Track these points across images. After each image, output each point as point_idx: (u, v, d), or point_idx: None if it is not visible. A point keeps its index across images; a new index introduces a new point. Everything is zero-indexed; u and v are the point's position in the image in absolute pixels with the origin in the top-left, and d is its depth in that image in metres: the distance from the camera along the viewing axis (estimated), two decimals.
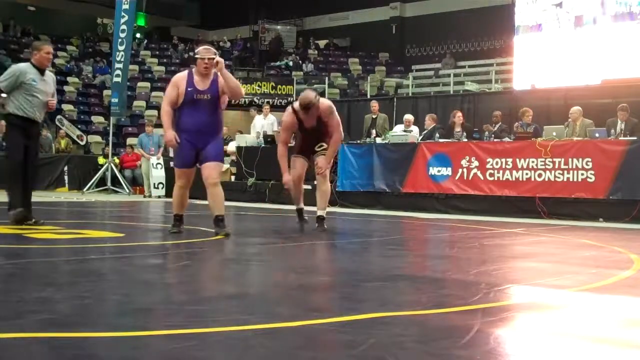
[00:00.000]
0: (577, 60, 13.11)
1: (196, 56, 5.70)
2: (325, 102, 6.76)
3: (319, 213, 6.85)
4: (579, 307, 3.20)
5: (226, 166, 14.28)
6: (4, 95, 6.17)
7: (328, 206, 7.31)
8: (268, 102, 16.99)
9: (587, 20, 13.06)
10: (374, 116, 13.12)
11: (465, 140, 10.95)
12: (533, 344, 2.44)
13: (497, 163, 9.94)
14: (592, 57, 12.89)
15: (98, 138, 19.96)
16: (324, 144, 6.73)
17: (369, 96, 18.15)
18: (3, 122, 7.27)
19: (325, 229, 6.74)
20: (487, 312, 2.87)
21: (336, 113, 6.79)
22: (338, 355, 2.20)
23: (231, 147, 14.42)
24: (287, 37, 26.57)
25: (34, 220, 6.31)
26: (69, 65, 23.32)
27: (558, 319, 2.89)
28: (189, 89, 5.64)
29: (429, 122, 12.09)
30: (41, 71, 6.29)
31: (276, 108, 17.31)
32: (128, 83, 17.31)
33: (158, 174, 14.19)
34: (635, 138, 9.24)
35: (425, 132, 11.96)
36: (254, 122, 15.38)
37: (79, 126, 20.10)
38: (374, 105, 13.34)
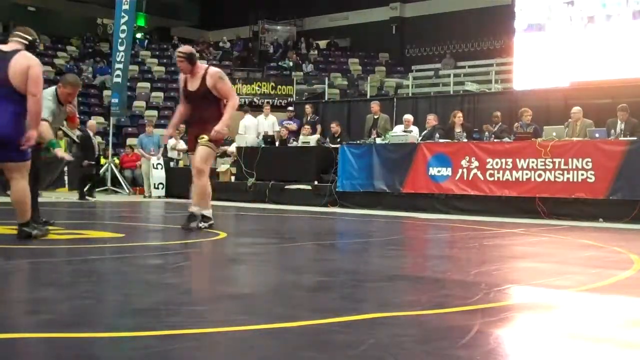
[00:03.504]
0: (578, 60, 13.10)
1: None
2: (214, 67, 6.43)
3: (191, 208, 6.29)
4: (579, 307, 3.20)
5: (226, 166, 14.30)
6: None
7: (328, 206, 7.18)
8: (268, 102, 16.98)
9: (589, 19, 13.06)
10: (375, 116, 13.13)
11: (465, 140, 10.95)
12: (533, 344, 2.44)
13: (497, 163, 9.94)
14: (593, 57, 12.89)
15: (98, 138, 19.92)
16: (205, 135, 6.16)
17: (369, 96, 18.15)
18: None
19: (191, 227, 6.16)
20: (487, 313, 2.87)
21: (227, 80, 6.39)
22: (338, 355, 2.20)
23: (232, 147, 14.43)
24: (287, 37, 26.59)
25: (47, 221, 6.27)
26: (68, 66, 23.31)
27: (558, 319, 2.89)
28: None
29: (432, 121, 12.07)
30: (61, 103, 6.13)
31: (276, 108, 17.31)
32: (128, 83, 17.32)
33: (158, 175, 14.20)
34: (635, 138, 9.24)
35: (425, 132, 11.96)
36: (241, 122, 15.34)
37: (79, 126, 20.08)
38: (374, 106, 13.36)
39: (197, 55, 6.45)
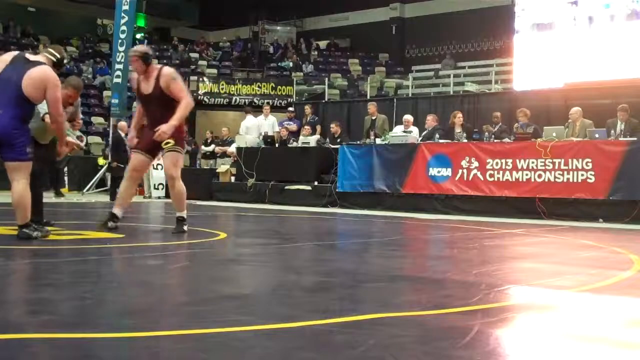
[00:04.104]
0: (578, 60, 13.08)
1: None
2: (168, 68, 6.15)
3: (177, 214, 6.19)
4: (579, 307, 3.20)
5: (226, 167, 14.30)
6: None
7: (328, 207, 7.15)
8: (268, 103, 16.97)
9: (589, 20, 13.05)
10: (373, 117, 13.13)
11: (465, 140, 10.95)
12: (533, 345, 2.43)
13: (497, 164, 9.94)
14: (593, 57, 12.87)
15: (98, 139, 19.94)
16: (170, 140, 5.92)
17: (368, 97, 18.14)
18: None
19: (184, 230, 6.08)
20: (487, 313, 2.87)
21: (180, 80, 6.10)
22: (338, 355, 2.20)
23: (232, 148, 14.43)
24: (287, 38, 26.60)
25: (47, 221, 6.25)
26: (68, 66, 23.26)
27: (558, 320, 2.89)
28: None
29: (431, 122, 12.06)
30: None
31: (276, 109, 17.30)
32: (128, 84, 17.29)
33: (158, 175, 14.20)
34: (635, 139, 9.24)
35: (425, 132, 11.96)
36: (242, 123, 15.32)
37: (80, 128, 20.07)
38: (370, 107, 13.35)
39: (153, 56, 6.17)
